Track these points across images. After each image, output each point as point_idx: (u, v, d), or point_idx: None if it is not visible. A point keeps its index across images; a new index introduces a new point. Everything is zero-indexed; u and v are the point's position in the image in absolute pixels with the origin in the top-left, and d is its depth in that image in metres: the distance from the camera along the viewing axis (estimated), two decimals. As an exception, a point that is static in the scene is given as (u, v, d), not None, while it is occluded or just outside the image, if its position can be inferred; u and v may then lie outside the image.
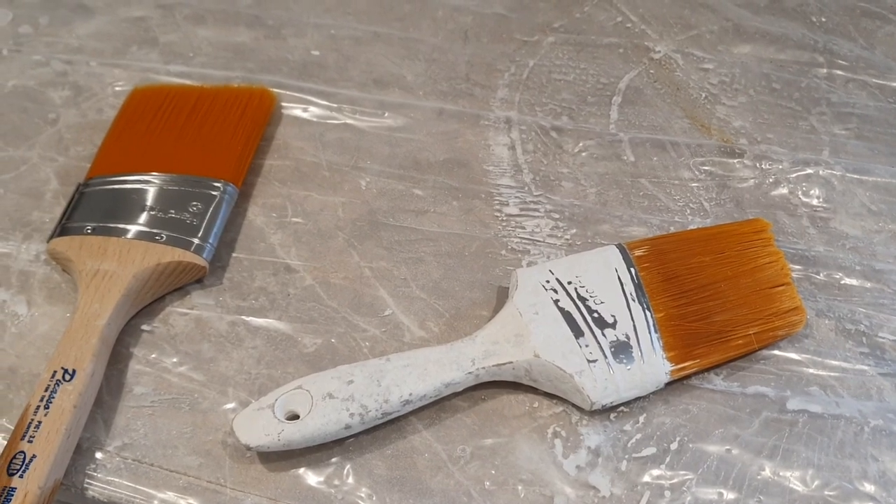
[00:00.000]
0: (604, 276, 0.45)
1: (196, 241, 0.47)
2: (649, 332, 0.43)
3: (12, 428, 0.41)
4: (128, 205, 0.48)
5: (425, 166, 0.54)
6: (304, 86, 0.58)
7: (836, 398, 0.43)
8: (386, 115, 0.56)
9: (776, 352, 0.45)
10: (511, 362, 0.42)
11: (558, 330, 0.43)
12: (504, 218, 0.51)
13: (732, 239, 0.47)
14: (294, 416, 0.40)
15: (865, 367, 0.44)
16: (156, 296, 0.47)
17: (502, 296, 0.47)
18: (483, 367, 0.42)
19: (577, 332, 0.42)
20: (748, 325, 0.44)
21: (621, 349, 0.42)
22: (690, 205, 0.51)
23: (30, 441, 0.38)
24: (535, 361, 0.42)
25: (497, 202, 0.52)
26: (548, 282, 0.44)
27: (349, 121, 0.56)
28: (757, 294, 0.45)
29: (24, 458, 0.37)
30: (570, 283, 0.44)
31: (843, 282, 0.48)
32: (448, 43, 0.61)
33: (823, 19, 0.63)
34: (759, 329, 0.44)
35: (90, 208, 0.48)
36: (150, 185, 0.49)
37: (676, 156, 0.54)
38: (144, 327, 0.46)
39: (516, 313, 0.43)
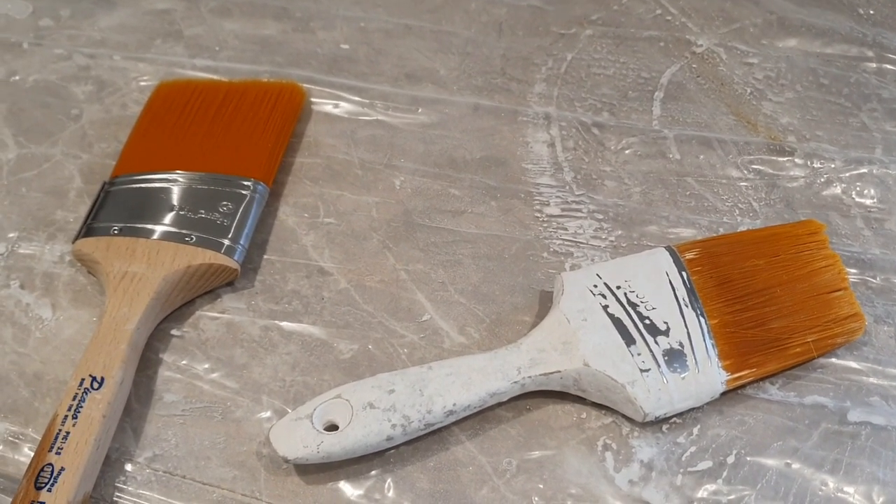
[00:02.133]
0: (654, 280, 0.43)
1: (227, 242, 0.45)
2: (704, 340, 0.41)
3: (38, 438, 0.39)
4: (155, 204, 0.46)
5: (461, 164, 0.52)
6: (335, 80, 0.56)
7: (900, 409, 0.41)
8: (419, 111, 0.54)
9: (833, 360, 0.43)
10: (559, 371, 0.40)
11: (608, 337, 0.41)
12: (545, 219, 0.49)
13: (786, 241, 0.45)
14: (333, 427, 0.38)
15: (929, 377, 0.42)
16: (186, 299, 0.45)
17: (545, 300, 0.45)
18: (529, 377, 0.40)
19: (629, 340, 0.40)
20: (806, 331, 0.42)
21: (675, 357, 0.40)
22: (739, 205, 0.49)
23: (58, 453, 0.36)
24: (584, 371, 0.40)
25: (537, 202, 0.50)
26: (595, 286, 0.42)
27: (381, 117, 0.54)
28: (814, 299, 0.43)
29: (53, 471, 0.36)
30: (618, 287, 0.42)
31: (902, 286, 0.46)
32: (482, 36, 0.59)
33: (871, 11, 0.60)
34: (817, 336, 0.42)
35: (117, 208, 0.46)
36: (178, 184, 0.47)
37: (723, 154, 0.52)
38: (174, 332, 0.44)
39: (563, 319, 0.41)
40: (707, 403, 0.41)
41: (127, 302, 0.42)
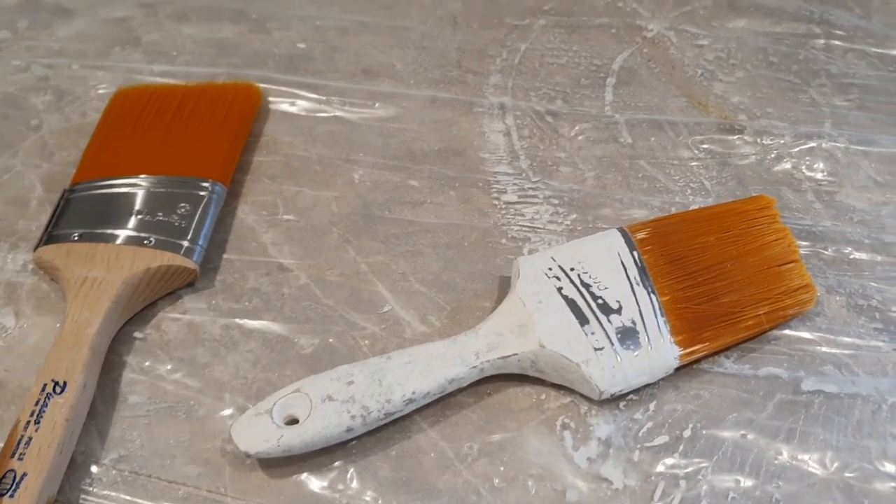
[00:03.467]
0: (607, 260, 0.43)
1: (185, 243, 0.45)
2: (655, 317, 0.41)
3: (1, 445, 0.39)
4: (115, 209, 0.47)
5: (420, 156, 0.52)
6: (292, 79, 0.56)
7: (852, 377, 0.42)
8: (377, 105, 0.55)
9: (787, 331, 0.44)
10: (516, 354, 0.41)
11: (563, 318, 0.41)
12: (503, 206, 0.50)
13: (736, 217, 0.45)
14: (293, 421, 0.39)
15: (880, 343, 0.43)
16: (147, 302, 0.45)
17: (504, 286, 0.46)
18: (487, 361, 0.41)
19: (583, 320, 0.41)
20: (757, 305, 0.43)
21: (628, 335, 0.41)
22: (691, 185, 0.50)
23: (20, 459, 0.37)
24: (540, 352, 0.40)
25: (495, 190, 0.50)
26: (550, 269, 0.43)
27: (339, 113, 0.55)
28: (765, 273, 0.44)
29: (15, 477, 0.36)
30: (572, 269, 0.43)
31: (852, 256, 0.47)
32: (437, 30, 0.60)
33: (819, -11, 0.61)
34: (768, 309, 0.43)
35: (76, 215, 0.47)
36: (137, 189, 0.47)
37: (674, 135, 0.52)
38: (137, 334, 0.44)
39: (519, 303, 0.42)
40: (663, 379, 0.42)
41: (88, 307, 0.42)
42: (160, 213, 0.46)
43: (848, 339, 0.43)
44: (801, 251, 0.46)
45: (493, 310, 0.44)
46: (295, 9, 0.61)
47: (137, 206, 0.47)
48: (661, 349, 0.41)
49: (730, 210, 0.46)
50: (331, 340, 0.44)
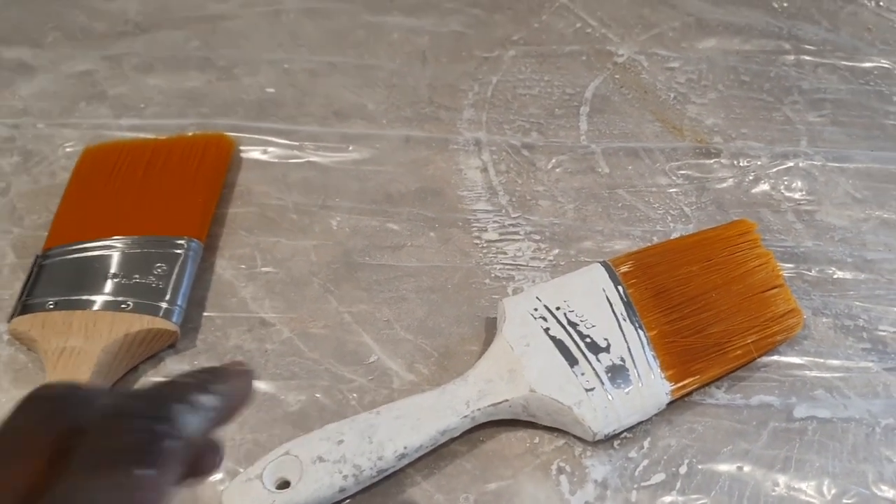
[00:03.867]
0: (592, 297, 0.43)
1: (164, 305, 0.45)
2: (644, 353, 0.41)
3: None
4: (90, 274, 0.46)
5: (397, 198, 0.52)
6: (262, 126, 0.56)
7: (844, 400, 0.42)
8: (350, 148, 0.54)
9: (776, 357, 0.44)
10: (507, 400, 0.40)
11: (552, 360, 0.41)
12: (484, 245, 0.49)
13: (718, 244, 0.45)
14: (285, 484, 0.38)
15: (869, 364, 0.43)
16: (128, 367, 0.44)
17: (491, 327, 0.46)
18: (478, 409, 0.40)
19: (572, 361, 0.41)
20: (745, 333, 0.42)
21: (618, 373, 0.40)
22: (671, 211, 0.50)
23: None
24: (531, 397, 0.40)
25: (475, 229, 0.50)
26: (536, 310, 0.43)
27: (313, 158, 0.54)
28: (750, 300, 0.43)
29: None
30: (558, 308, 0.43)
31: (836, 276, 0.46)
32: (407, 66, 0.59)
33: (785, 4, 0.62)
34: (756, 337, 0.43)
35: (51, 281, 0.46)
36: (112, 251, 0.47)
37: (651, 162, 0.52)
38: (120, 402, 0.43)
39: (507, 347, 0.42)
40: (656, 414, 0.41)
41: (68, 378, 0.41)
42: (136, 276, 0.46)
43: (837, 362, 0.43)
44: (785, 273, 0.46)
45: (481, 353, 0.43)
46: (262, 53, 0.61)
47: (113, 269, 0.46)
48: (651, 385, 0.40)
49: (711, 237, 0.46)
50: (318, 396, 0.43)
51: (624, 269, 0.44)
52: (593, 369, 0.40)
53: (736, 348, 0.42)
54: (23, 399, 0.25)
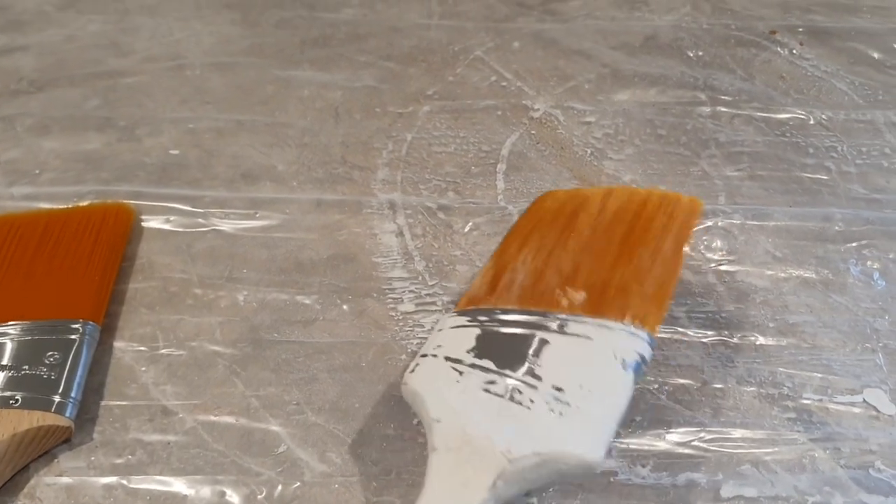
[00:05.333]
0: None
1: (57, 398, 0.41)
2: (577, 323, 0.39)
3: None
4: (-27, 366, 0.42)
5: (308, 267, 0.49)
6: (165, 192, 0.53)
7: (770, 476, 0.41)
8: (258, 214, 0.52)
9: (701, 428, 0.42)
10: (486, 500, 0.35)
11: (501, 413, 0.36)
12: (400, 317, 0.47)
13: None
14: None
15: (795, 435, 0.42)
16: (17, 468, 0.41)
17: (406, 407, 0.43)
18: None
19: (521, 401, 0.36)
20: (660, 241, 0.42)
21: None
22: (592, 275, 0.49)
23: None
24: (511, 468, 0.35)
25: (391, 299, 0.48)
26: (446, 371, 0.40)
27: (218, 226, 0.51)
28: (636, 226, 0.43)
29: None
30: (459, 360, 0.40)
31: (758, 342, 0.46)
32: (318, 124, 0.57)
33: (700, 53, 0.61)
34: (672, 236, 0.42)
35: (-71, 376, 0.42)
36: (1, 339, 0.43)
37: (571, 224, 0.51)
38: (7, 507, 0.40)
39: (448, 435, 0.36)
40: (581, 496, 0.39)
41: (-54, 487, 0.38)
42: (26, 367, 0.42)
43: (763, 433, 0.42)
44: (707, 340, 0.45)
45: (397, 436, 0.41)
46: (166, 112, 0.58)
47: (1, 359, 0.42)
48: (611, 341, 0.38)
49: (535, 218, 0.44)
50: (225, 491, 0.41)
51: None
52: (541, 395, 0.36)
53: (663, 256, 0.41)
54: None
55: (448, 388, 0.38)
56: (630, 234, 0.42)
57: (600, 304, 0.39)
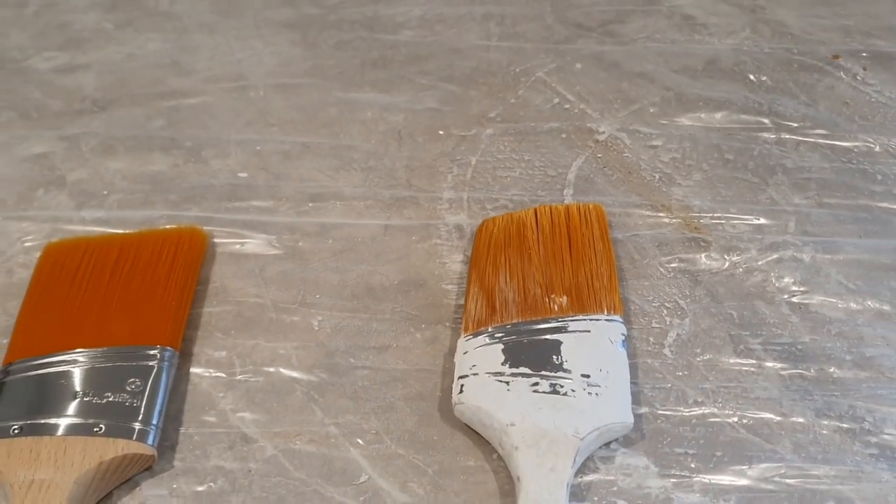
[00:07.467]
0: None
1: (138, 426, 0.42)
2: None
3: None
4: (57, 393, 0.43)
5: (380, 292, 0.50)
6: (237, 217, 0.53)
7: (856, 513, 0.41)
8: (328, 238, 0.52)
9: (783, 464, 0.42)
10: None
11: (556, 404, 0.42)
12: (472, 345, 0.47)
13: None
14: None
15: (879, 472, 0.42)
16: (101, 495, 0.41)
17: (483, 441, 0.43)
18: None
19: (559, 392, 0.43)
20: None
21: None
22: (666, 304, 0.48)
23: None
24: (583, 445, 0.41)
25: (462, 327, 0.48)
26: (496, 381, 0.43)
27: (290, 249, 0.52)
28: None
29: None
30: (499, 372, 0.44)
31: (836, 375, 0.45)
32: (382, 147, 0.57)
33: (763, 77, 0.61)
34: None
35: (14, 402, 0.43)
36: (79, 366, 0.44)
37: (640, 257, 0.51)
38: (92, 535, 0.41)
39: (523, 431, 0.41)
40: None
41: (36, 515, 0.38)
42: (108, 393, 0.43)
43: (845, 470, 0.42)
44: (784, 373, 0.45)
45: (479, 468, 0.41)
46: (231, 133, 0.58)
47: (82, 386, 0.43)
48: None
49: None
50: (308, 521, 0.41)
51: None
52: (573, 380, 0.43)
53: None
54: None
55: (505, 396, 0.43)
56: (573, 243, 0.49)
57: (582, 303, 0.46)
